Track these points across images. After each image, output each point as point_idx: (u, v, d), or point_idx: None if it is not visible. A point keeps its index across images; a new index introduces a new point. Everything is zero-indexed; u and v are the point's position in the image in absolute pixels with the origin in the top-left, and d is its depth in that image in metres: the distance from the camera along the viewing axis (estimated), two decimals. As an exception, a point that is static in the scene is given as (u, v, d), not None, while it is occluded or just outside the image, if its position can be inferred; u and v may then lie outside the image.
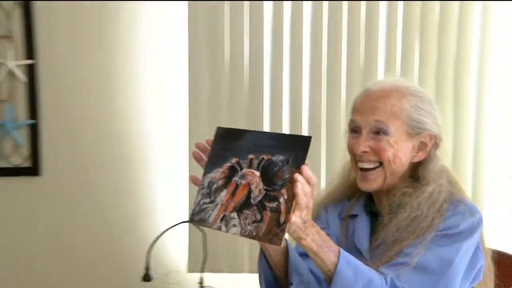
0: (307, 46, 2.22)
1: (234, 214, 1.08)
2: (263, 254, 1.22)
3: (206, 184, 1.14)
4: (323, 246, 1.10)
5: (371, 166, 1.26)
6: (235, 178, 1.11)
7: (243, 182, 1.10)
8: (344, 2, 2.19)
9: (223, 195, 1.11)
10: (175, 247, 2.29)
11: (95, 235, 2.32)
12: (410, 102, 1.25)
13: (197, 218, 1.13)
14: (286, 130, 2.23)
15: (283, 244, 1.03)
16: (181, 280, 2.29)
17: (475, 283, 1.27)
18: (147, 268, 1.87)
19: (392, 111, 1.24)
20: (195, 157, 1.18)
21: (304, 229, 1.07)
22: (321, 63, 2.22)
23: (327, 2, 2.19)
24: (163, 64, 2.29)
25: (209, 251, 2.08)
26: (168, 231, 1.95)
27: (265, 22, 2.23)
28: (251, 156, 1.11)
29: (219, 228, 1.09)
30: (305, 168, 1.03)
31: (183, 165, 2.21)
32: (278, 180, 1.06)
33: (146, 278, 1.90)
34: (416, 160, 1.27)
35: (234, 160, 1.12)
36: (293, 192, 1.02)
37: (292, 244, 1.22)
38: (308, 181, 1.04)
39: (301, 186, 1.02)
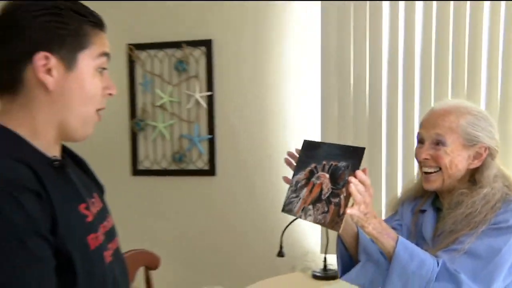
0: (418, 45, 2.25)
1: (310, 206, 1.20)
2: (339, 238, 1.35)
3: (294, 183, 1.27)
4: (382, 233, 1.21)
5: (432, 170, 1.33)
6: (313, 179, 1.23)
7: (318, 182, 1.21)
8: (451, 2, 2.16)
9: (304, 191, 1.23)
10: (312, 232, 2.43)
11: (254, 219, 2.54)
12: (467, 119, 1.31)
13: (287, 208, 1.26)
14: (400, 140, 2.29)
15: (341, 230, 1.14)
16: (316, 259, 2.38)
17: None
18: (281, 247, 2.10)
19: (450, 126, 1.31)
20: (286, 162, 1.32)
21: (366, 220, 1.18)
22: (431, 74, 2.22)
23: (435, 2, 2.18)
24: (302, 85, 2.46)
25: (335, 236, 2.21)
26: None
27: (383, 23, 2.28)
28: (324, 162, 1.22)
29: (300, 217, 1.21)
30: (359, 172, 1.15)
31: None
32: (341, 181, 1.17)
33: (280, 254, 2.08)
34: (472, 167, 1.32)
35: (313, 165, 1.25)
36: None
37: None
38: (362, 183, 1.15)
39: (354, 186, 1.13)
